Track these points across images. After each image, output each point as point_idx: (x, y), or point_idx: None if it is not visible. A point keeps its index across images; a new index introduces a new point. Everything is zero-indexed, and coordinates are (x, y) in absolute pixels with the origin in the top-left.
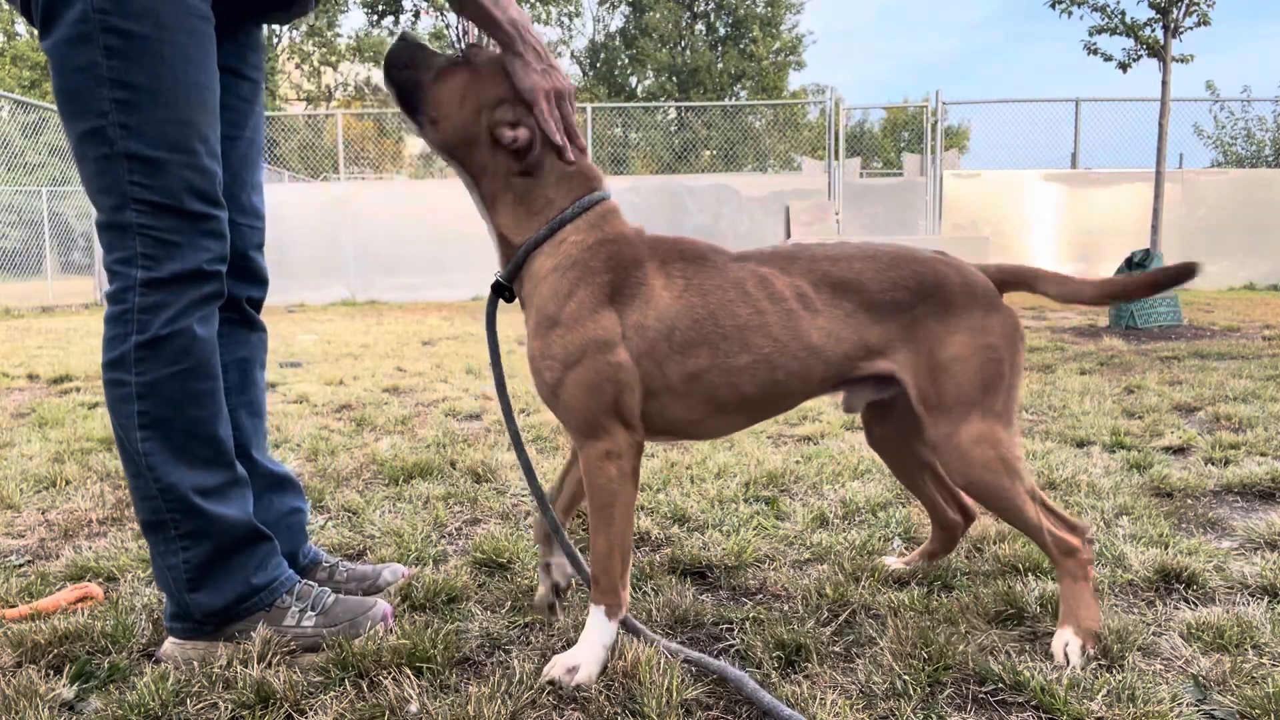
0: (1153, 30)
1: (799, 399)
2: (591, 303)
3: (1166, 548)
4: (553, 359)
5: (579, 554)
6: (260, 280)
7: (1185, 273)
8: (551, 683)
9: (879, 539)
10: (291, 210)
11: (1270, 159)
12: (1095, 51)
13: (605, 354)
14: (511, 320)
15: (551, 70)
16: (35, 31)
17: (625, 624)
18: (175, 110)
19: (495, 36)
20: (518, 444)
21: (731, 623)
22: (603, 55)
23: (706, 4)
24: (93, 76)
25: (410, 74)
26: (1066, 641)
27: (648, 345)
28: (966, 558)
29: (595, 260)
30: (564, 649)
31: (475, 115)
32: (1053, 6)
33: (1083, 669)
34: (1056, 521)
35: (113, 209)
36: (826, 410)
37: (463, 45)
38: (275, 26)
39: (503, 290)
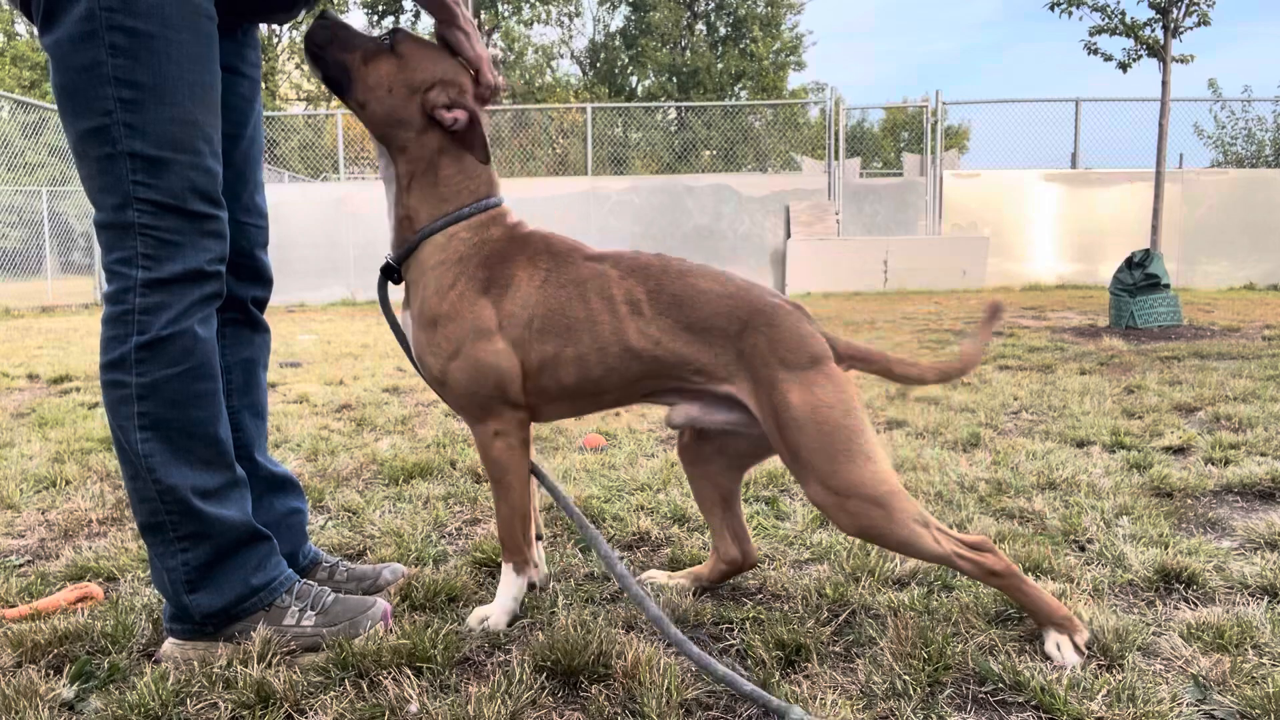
0: (1153, 30)
1: (623, 397)
2: (471, 295)
3: (1166, 548)
4: (437, 349)
5: (583, 516)
6: (265, 280)
7: (994, 313)
8: (470, 629)
9: None
10: (291, 210)
11: (1270, 159)
12: (1095, 51)
13: (484, 342)
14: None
15: (481, 43)
16: (35, 30)
17: (600, 555)
18: (180, 109)
19: (438, 15)
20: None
21: (731, 622)
22: (603, 55)
23: (707, 4)
24: (97, 74)
25: (336, 56)
26: (1057, 643)
27: (517, 332)
28: None
29: (477, 256)
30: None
31: (406, 99)
32: (1052, 9)
33: (1082, 660)
34: (960, 542)
35: (114, 208)
36: None
37: (384, 30)
38: (275, 26)
39: (392, 272)
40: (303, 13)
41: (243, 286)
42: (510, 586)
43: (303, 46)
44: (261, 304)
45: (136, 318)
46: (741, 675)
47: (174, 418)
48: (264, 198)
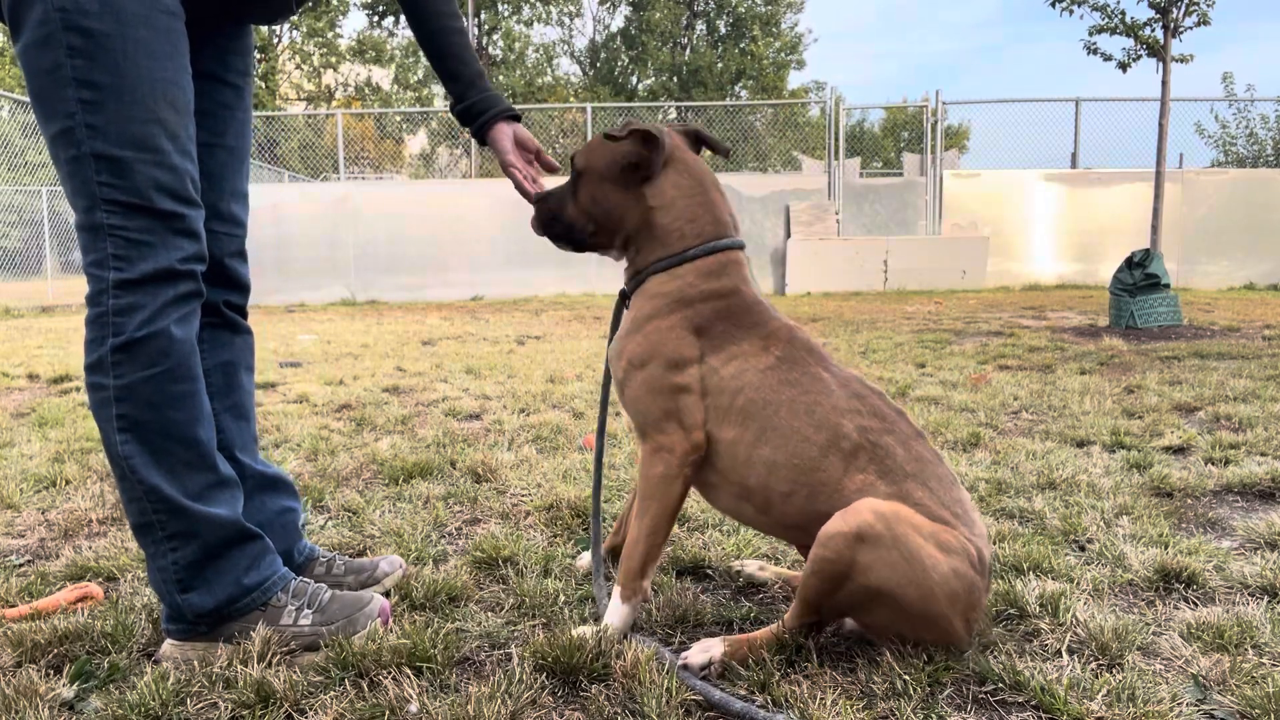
0: (1152, 30)
1: (769, 525)
2: (680, 328)
3: (1166, 548)
4: (626, 358)
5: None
6: (239, 286)
7: None
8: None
9: None
10: (291, 210)
11: (1271, 159)
12: (1095, 51)
13: (677, 369)
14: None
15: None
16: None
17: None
18: (140, 108)
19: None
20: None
21: (732, 622)
22: (603, 55)
23: (707, 3)
24: (58, 77)
25: (559, 223)
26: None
27: (713, 387)
28: None
29: (700, 303)
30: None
31: (601, 185)
32: (1053, 5)
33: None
34: None
35: (85, 210)
36: None
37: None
38: (276, 28)
39: (626, 298)
40: (296, 13)
41: (214, 291)
42: (611, 614)
43: (550, 239)
44: (237, 308)
45: (111, 319)
46: (736, 699)
47: (151, 420)
48: (244, 207)
